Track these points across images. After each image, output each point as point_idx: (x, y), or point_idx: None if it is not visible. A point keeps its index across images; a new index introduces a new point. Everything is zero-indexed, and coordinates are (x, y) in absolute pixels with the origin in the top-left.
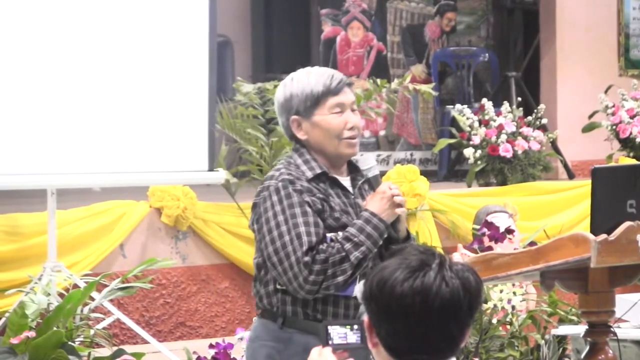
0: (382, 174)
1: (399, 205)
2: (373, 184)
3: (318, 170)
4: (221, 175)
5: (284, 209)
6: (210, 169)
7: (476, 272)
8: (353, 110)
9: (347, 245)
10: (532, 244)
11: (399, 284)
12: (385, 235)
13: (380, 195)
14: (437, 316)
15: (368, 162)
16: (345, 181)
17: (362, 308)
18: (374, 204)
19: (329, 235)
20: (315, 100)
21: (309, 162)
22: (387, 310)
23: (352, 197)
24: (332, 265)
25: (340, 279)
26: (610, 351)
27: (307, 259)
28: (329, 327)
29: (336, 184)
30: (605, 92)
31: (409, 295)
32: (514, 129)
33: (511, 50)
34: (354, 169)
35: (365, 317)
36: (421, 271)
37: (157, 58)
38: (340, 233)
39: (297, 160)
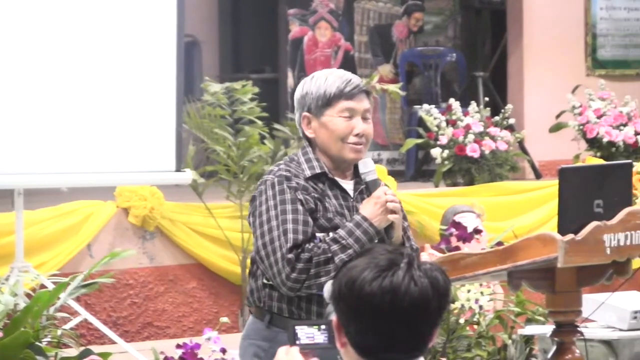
0: None
1: (393, 212)
2: (370, 187)
3: (318, 170)
4: (188, 175)
5: (276, 205)
6: (178, 170)
7: (444, 271)
8: (365, 119)
9: (334, 247)
10: (499, 244)
11: (367, 284)
12: (376, 241)
13: (375, 200)
14: (406, 315)
15: (367, 165)
16: (347, 184)
17: (329, 308)
18: (367, 208)
19: (319, 235)
20: (327, 101)
21: (311, 161)
22: (356, 309)
23: (352, 200)
24: (316, 265)
25: (323, 279)
26: (577, 351)
27: (290, 256)
28: (296, 327)
29: (336, 185)
30: (573, 92)
31: (378, 294)
32: (481, 129)
33: (479, 50)
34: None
35: (333, 317)
36: (390, 270)
37: (124, 58)
38: (331, 234)
39: (300, 158)
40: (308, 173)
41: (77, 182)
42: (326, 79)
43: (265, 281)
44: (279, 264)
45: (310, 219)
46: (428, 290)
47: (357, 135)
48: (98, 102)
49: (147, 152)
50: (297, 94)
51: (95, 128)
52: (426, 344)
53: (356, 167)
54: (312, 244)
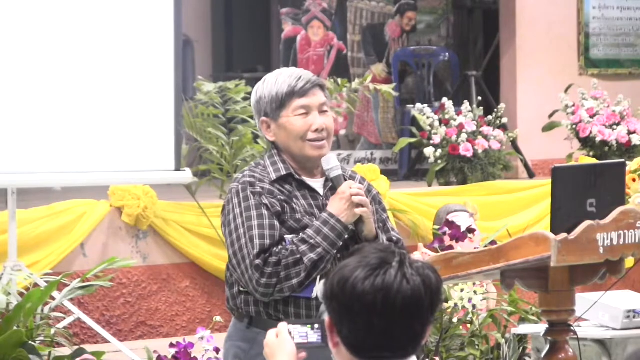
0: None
1: (359, 205)
2: (335, 183)
3: (283, 172)
4: (188, 174)
5: (241, 212)
6: (177, 169)
7: (436, 269)
8: (323, 112)
9: (302, 247)
10: (493, 243)
11: (360, 282)
12: (346, 237)
13: (340, 195)
14: (399, 313)
15: (330, 162)
16: (316, 182)
17: (322, 308)
18: (334, 204)
19: (288, 237)
20: (280, 102)
21: (276, 163)
22: (348, 308)
23: (322, 198)
24: (285, 268)
25: (294, 281)
26: (571, 350)
27: (258, 262)
28: (290, 327)
29: (303, 185)
30: (566, 91)
31: (370, 293)
32: (474, 128)
33: (471, 50)
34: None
35: (326, 317)
36: (382, 269)
37: (123, 58)
38: (300, 234)
39: (266, 162)
40: (273, 176)
41: (75, 182)
42: (276, 80)
43: (241, 288)
44: (249, 271)
45: (277, 223)
46: (420, 288)
47: (315, 130)
48: (97, 101)
49: (147, 152)
50: (253, 100)
51: (94, 127)
52: (419, 342)
53: (323, 167)
54: (280, 247)
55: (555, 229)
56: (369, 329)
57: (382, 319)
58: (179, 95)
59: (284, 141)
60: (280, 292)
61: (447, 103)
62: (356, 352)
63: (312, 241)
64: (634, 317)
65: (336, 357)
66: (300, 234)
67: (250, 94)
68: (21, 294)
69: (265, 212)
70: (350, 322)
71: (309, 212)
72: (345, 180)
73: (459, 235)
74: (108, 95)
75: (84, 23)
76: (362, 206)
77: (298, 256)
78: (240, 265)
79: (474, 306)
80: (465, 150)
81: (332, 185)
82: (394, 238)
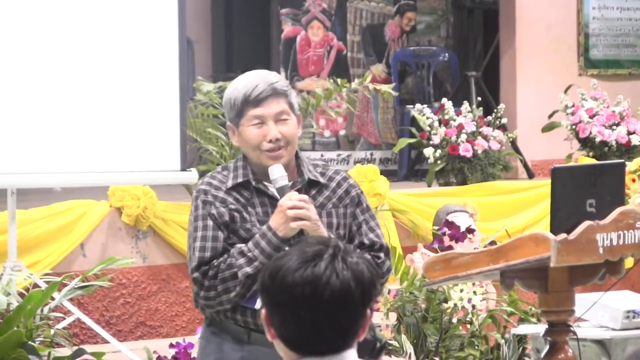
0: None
1: (298, 219)
2: (279, 194)
3: (240, 179)
4: (194, 175)
5: (191, 221)
6: (183, 169)
7: (373, 263)
8: (279, 121)
9: (240, 261)
10: (492, 243)
11: (290, 274)
12: (286, 249)
13: (279, 209)
14: (326, 307)
15: (275, 172)
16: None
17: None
18: (273, 217)
19: (239, 246)
20: (237, 111)
21: (237, 169)
22: (278, 300)
23: None
24: (222, 282)
25: (231, 295)
26: (570, 350)
27: (196, 275)
28: None
29: (261, 193)
30: (565, 91)
31: (299, 285)
32: (473, 128)
33: (471, 50)
34: (299, 178)
35: (262, 309)
36: (313, 261)
37: (127, 59)
38: (241, 246)
39: (230, 167)
40: (230, 183)
41: (78, 182)
42: (235, 87)
43: None
44: (193, 283)
45: (220, 234)
46: (350, 282)
47: (270, 141)
48: (101, 101)
49: (152, 152)
50: (223, 103)
51: (99, 128)
52: (351, 337)
53: (299, 171)
54: (221, 259)
55: (554, 230)
56: (297, 322)
57: (309, 311)
58: (184, 96)
59: (244, 148)
60: (220, 305)
61: (447, 103)
62: (289, 346)
63: (250, 254)
64: (633, 317)
65: (277, 349)
66: (240, 246)
67: None
68: (21, 294)
69: (210, 222)
70: (279, 315)
71: (264, 220)
72: (290, 191)
73: (459, 235)
74: (112, 96)
75: (88, 24)
76: (302, 219)
77: (235, 270)
78: (190, 276)
79: (473, 306)
80: (465, 150)
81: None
82: (367, 242)
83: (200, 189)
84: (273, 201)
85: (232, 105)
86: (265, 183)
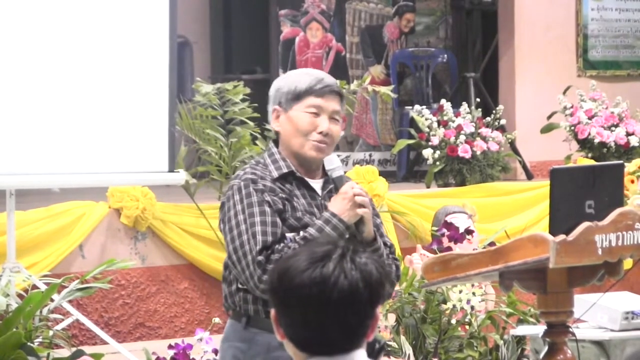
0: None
1: (361, 206)
2: (337, 184)
3: (285, 170)
4: (181, 176)
5: (243, 209)
6: (171, 170)
7: (382, 264)
8: (333, 119)
9: None
10: (491, 244)
11: (298, 275)
12: (347, 236)
13: (342, 195)
14: (334, 307)
15: (333, 162)
16: (316, 183)
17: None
18: (336, 204)
19: (289, 235)
20: (296, 95)
21: (277, 161)
22: (286, 300)
23: (320, 198)
24: None
25: None
26: (569, 351)
27: (260, 258)
28: None
29: (303, 184)
30: (564, 93)
31: (307, 285)
32: (472, 129)
33: (470, 51)
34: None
35: (272, 309)
36: (321, 262)
37: (117, 59)
38: (302, 233)
39: (266, 160)
40: (275, 174)
41: (69, 183)
42: (299, 76)
43: (239, 285)
44: (250, 267)
45: (278, 220)
46: (358, 283)
47: (320, 133)
48: (91, 103)
49: (140, 153)
50: (272, 89)
51: (87, 129)
52: (360, 338)
53: (325, 166)
54: (282, 245)
55: (553, 231)
56: (305, 322)
57: (317, 312)
58: (173, 97)
59: (287, 134)
60: None
61: (446, 104)
62: (298, 346)
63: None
64: (632, 318)
65: (287, 350)
66: (302, 232)
67: (248, 95)
68: (20, 296)
69: (267, 209)
70: (288, 315)
71: (309, 210)
72: (347, 181)
73: (458, 236)
74: (104, 97)
75: (80, 25)
76: (364, 207)
77: None
78: (241, 261)
79: (472, 307)
80: (464, 151)
81: (331, 188)
82: (388, 242)
83: (247, 177)
84: (312, 193)
85: (290, 90)
86: (304, 176)
